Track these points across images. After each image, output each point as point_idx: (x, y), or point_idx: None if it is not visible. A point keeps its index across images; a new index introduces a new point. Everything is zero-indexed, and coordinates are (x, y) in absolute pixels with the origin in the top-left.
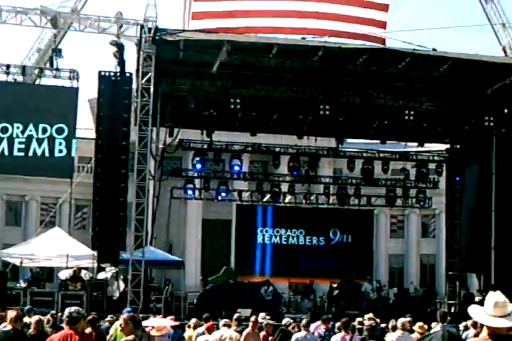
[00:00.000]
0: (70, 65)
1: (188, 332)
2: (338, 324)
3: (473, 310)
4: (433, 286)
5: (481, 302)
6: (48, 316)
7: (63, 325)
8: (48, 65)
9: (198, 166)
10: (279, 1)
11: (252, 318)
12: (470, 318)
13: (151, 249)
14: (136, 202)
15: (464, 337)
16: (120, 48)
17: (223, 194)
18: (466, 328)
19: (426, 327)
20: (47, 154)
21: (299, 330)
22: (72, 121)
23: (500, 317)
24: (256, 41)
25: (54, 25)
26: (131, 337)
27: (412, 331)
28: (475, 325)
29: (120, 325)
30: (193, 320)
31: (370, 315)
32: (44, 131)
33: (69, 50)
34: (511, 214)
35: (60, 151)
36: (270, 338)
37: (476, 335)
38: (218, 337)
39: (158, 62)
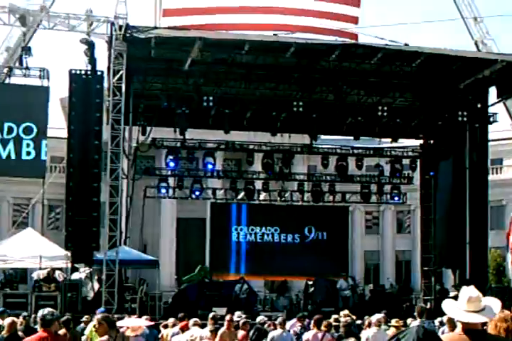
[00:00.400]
0: (40, 63)
1: (165, 332)
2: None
3: (447, 305)
4: (409, 282)
5: (456, 298)
6: (21, 318)
7: (37, 326)
8: (17, 64)
9: (172, 165)
10: None
11: (227, 317)
12: (445, 314)
13: (125, 248)
14: (110, 202)
15: (439, 332)
16: (91, 46)
17: (197, 192)
18: (442, 324)
19: (402, 323)
20: (13, 157)
21: (275, 328)
22: (43, 121)
23: (474, 312)
24: (227, 38)
25: (23, 23)
26: (105, 337)
27: (387, 327)
28: (450, 320)
29: (94, 325)
30: (171, 320)
31: (346, 311)
32: (10, 130)
33: (39, 49)
34: (485, 209)
35: (28, 154)
36: None
37: (452, 331)
38: (189, 336)
39: (130, 60)
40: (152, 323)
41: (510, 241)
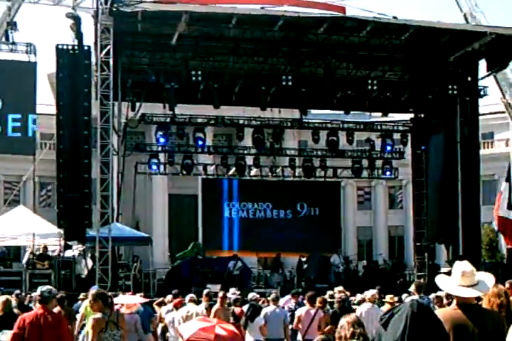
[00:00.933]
0: (26, 38)
1: (160, 309)
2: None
3: (440, 280)
4: (402, 258)
5: (449, 274)
6: (13, 296)
7: (31, 305)
8: (3, 39)
9: (162, 140)
10: None
11: (220, 294)
12: (439, 290)
13: (117, 225)
14: (101, 178)
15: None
16: (77, 21)
17: (188, 168)
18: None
19: (396, 299)
20: None
21: (269, 305)
22: (31, 96)
23: (468, 286)
24: (215, 12)
25: None
26: (99, 314)
27: (381, 303)
28: (446, 296)
29: (89, 301)
30: (169, 297)
31: (340, 287)
32: None
33: (25, 24)
34: (477, 184)
35: (15, 130)
36: None
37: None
38: (185, 313)
39: (117, 35)
40: (147, 300)
41: (497, 221)
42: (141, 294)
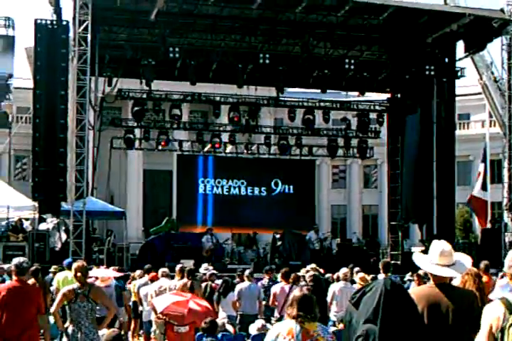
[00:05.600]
0: (5, 12)
1: (132, 284)
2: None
3: (418, 258)
4: (375, 236)
5: (424, 253)
6: None
7: (4, 276)
8: None
9: (138, 116)
10: None
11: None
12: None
13: (92, 199)
14: (76, 153)
15: (406, 287)
16: None
17: (163, 143)
18: (410, 281)
19: (369, 277)
20: None
21: (243, 281)
22: (8, 69)
23: (445, 266)
24: None
25: None
26: (74, 285)
27: (354, 281)
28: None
29: (74, 274)
30: (138, 272)
31: (313, 265)
32: None
33: None
34: (452, 165)
35: None
36: None
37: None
38: (157, 287)
39: (95, 10)
40: (121, 274)
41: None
42: (116, 268)
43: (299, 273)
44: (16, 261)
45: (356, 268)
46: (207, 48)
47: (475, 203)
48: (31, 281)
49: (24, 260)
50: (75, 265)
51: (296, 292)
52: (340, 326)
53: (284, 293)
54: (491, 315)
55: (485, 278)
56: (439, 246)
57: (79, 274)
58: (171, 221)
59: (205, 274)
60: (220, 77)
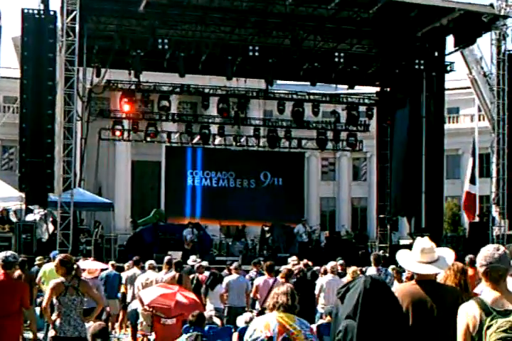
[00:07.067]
0: None
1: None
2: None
3: (401, 256)
4: (364, 229)
5: (410, 247)
6: None
7: None
8: None
9: (126, 107)
10: None
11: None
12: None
13: (80, 190)
14: (64, 144)
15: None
16: None
17: (152, 135)
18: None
19: (359, 272)
20: None
21: (231, 273)
22: None
23: (427, 263)
24: None
25: None
26: (60, 278)
27: (343, 274)
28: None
29: (55, 265)
30: (127, 263)
31: (294, 257)
32: None
33: None
34: (441, 158)
35: None
36: None
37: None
38: (144, 280)
39: (83, 0)
40: (107, 266)
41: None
42: (113, 262)
43: (288, 267)
44: (2, 254)
45: (340, 261)
46: (196, 40)
47: (464, 197)
48: (17, 273)
49: (12, 254)
50: (56, 261)
51: (279, 286)
52: (328, 319)
53: (267, 286)
54: (467, 315)
55: (470, 272)
56: (420, 243)
57: (61, 271)
58: (158, 212)
59: (193, 266)
60: (210, 68)
